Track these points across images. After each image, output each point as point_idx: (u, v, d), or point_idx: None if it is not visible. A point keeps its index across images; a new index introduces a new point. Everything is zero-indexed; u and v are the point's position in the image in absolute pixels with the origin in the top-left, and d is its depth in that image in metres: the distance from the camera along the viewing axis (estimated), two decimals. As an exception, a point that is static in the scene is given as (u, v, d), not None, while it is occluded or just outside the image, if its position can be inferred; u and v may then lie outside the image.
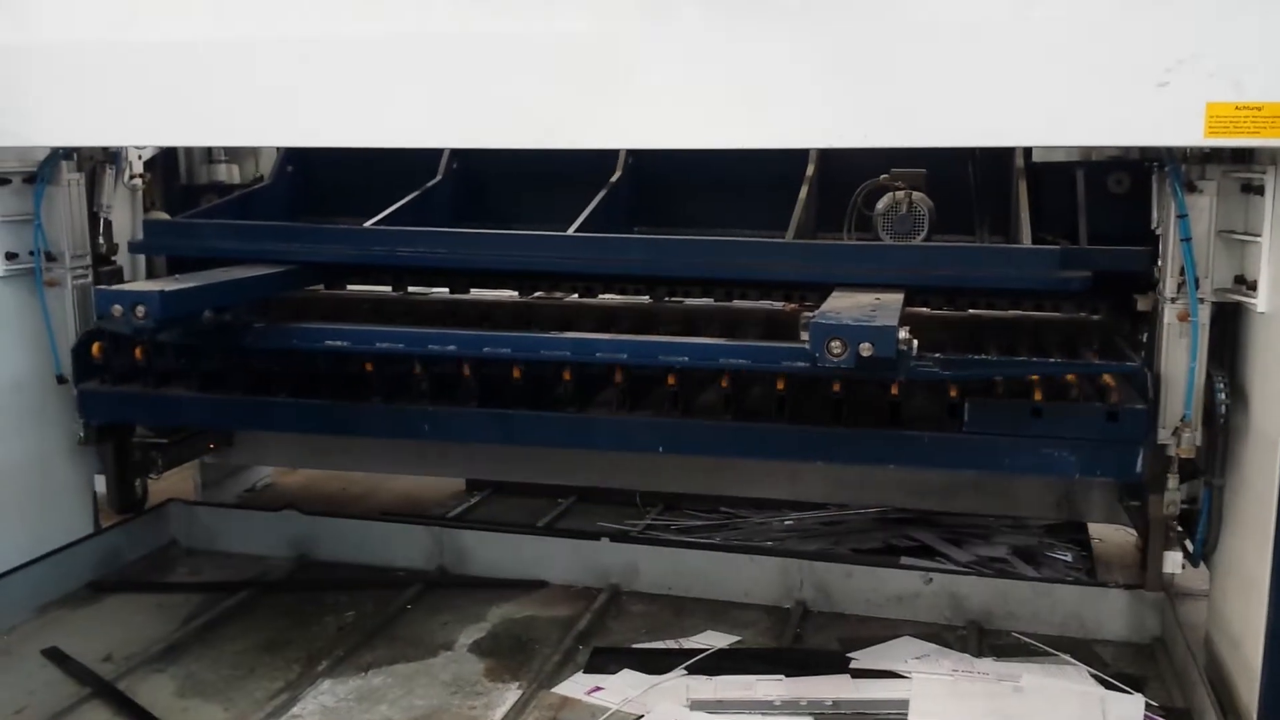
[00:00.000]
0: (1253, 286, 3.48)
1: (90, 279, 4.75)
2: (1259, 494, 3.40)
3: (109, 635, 4.28)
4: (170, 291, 3.90)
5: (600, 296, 4.75)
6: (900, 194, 4.37)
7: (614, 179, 4.91)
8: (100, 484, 5.04)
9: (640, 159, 5.02)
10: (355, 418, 4.45)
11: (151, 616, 4.46)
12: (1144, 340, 4.06)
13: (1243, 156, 3.59)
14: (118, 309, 3.80)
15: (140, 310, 3.78)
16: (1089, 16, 3.22)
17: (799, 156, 4.66)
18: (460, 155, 5.22)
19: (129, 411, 4.78)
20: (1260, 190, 3.41)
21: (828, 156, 4.69)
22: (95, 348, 4.55)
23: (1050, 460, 3.87)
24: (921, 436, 3.98)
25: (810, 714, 3.67)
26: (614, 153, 4.98)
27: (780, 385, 4.03)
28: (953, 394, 3.90)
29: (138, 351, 4.51)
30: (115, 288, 4.12)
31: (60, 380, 4.67)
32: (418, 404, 4.39)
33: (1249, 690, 3.41)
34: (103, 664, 4.05)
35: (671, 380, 4.14)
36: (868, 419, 4.03)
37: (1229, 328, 3.76)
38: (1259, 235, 3.42)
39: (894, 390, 3.95)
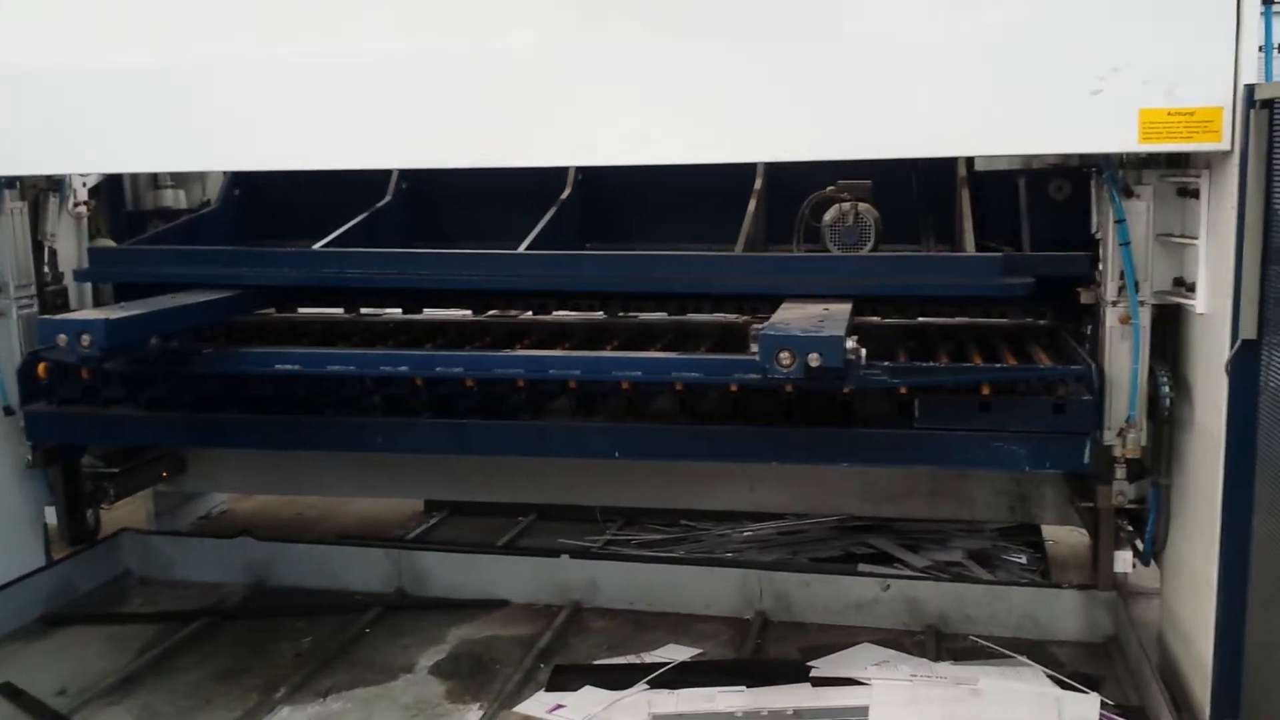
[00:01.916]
0: (1191, 288, 3.54)
1: (36, 309, 4.69)
2: (1204, 492, 3.46)
3: (63, 669, 4.22)
4: (116, 319, 3.86)
5: (554, 313, 4.75)
6: (847, 205, 4.43)
7: (564, 196, 4.94)
8: (51, 515, 4.97)
9: (590, 176, 5.05)
10: (307, 432, 4.42)
11: (106, 648, 4.40)
12: (1088, 333, 4.12)
13: (1178, 161, 3.65)
14: (63, 338, 3.75)
15: (85, 339, 3.73)
16: (1022, 27, 3.29)
17: (747, 170, 4.70)
18: (409, 175, 5.21)
19: (77, 432, 4.71)
20: (1196, 194, 3.47)
21: (775, 170, 4.74)
22: (41, 368, 4.46)
23: (1000, 454, 3.92)
24: (874, 434, 4.03)
25: (771, 724, 3.69)
26: (564, 170, 5.00)
27: (733, 387, 4.04)
28: (903, 391, 3.94)
29: (84, 372, 4.43)
30: (59, 316, 4.06)
31: (7, 412, 4.60)
32: (370, 416, 4.36)
33: (1201, 687, 3.46)
34: (57, 698, 3.98)
35: (626, 385, 4.13)
36: (821, 419, 4.06)
37: (1170, 329, 3.83)
38: (1196, 238, 3.48)
39: (846, 390, 3.96)
